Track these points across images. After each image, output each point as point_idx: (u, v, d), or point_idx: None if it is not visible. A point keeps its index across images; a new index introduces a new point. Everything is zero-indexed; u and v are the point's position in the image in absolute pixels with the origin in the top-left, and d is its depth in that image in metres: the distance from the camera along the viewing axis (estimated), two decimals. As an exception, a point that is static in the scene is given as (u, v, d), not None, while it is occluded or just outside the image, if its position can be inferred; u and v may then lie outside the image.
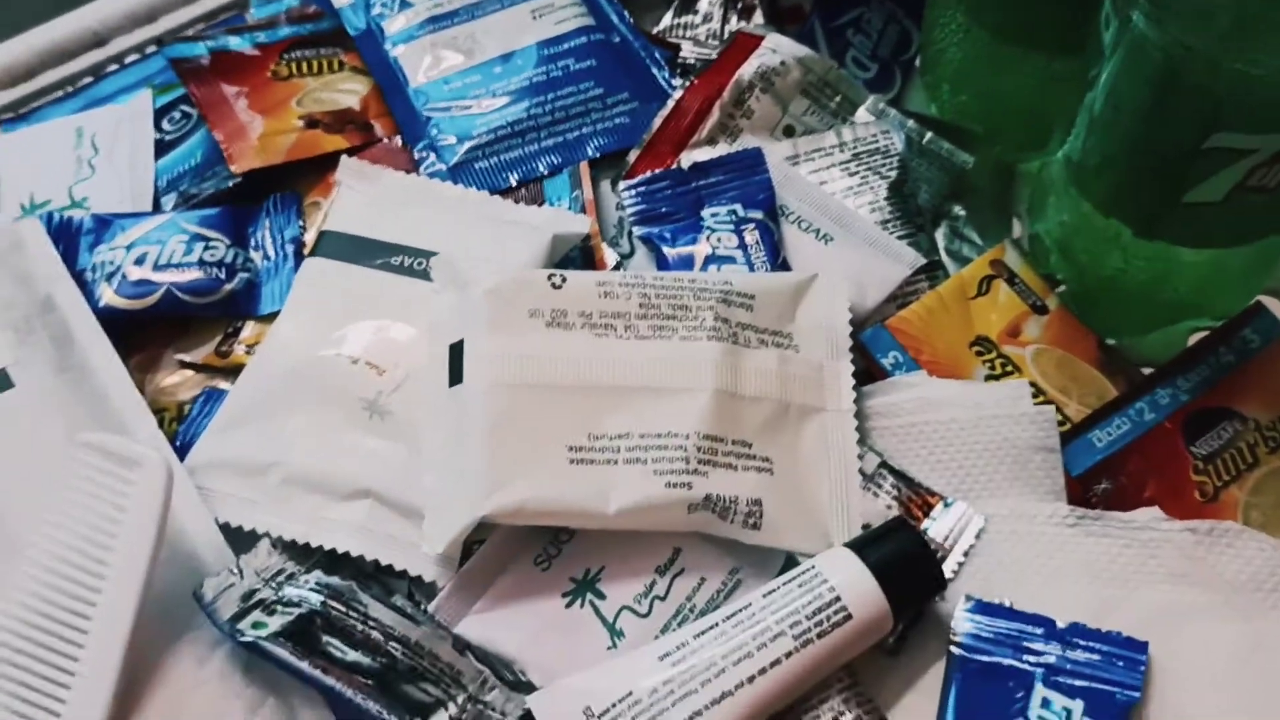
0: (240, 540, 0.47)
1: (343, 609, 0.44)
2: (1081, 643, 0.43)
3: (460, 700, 0.43)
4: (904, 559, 0.44)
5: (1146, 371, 0.52)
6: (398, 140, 0.60)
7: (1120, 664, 0.43)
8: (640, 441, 0.45)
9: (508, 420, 0.45)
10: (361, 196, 0.56)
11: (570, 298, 0.48)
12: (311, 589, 0.45)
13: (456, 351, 0.47)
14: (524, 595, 0.46)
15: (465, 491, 0.45)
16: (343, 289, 0.52)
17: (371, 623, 0.44)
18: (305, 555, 0.47)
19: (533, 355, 0.46)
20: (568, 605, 0.46)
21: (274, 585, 0.45)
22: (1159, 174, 0.46)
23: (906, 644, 0.45)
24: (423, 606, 0.46)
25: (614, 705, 0.42)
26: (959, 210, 0.58)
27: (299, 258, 0.56)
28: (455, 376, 0.47)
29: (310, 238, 0.56)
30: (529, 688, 0.44)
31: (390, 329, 0.51)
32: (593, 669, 0.43)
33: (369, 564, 0.47)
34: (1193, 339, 0.53)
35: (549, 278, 0.48)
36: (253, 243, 0.57)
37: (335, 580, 0.45)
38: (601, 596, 0.46)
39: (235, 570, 0.45)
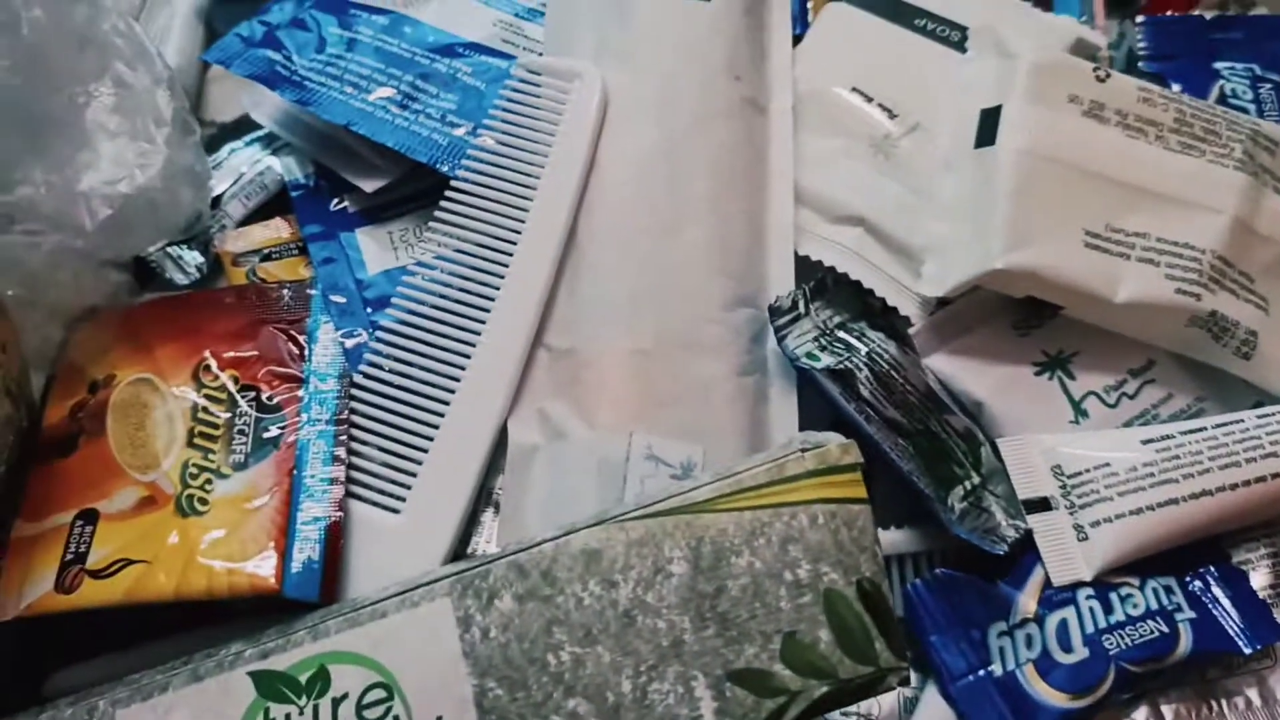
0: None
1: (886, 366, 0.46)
2: None
3: (969, 485, 0.44)
4: None
5: None
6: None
7: None
8: (1156, 244, 0.46)
9: (1032, 188, 0.46)
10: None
11: (1111, 93, 0.48)
12: (858, 338, 0.47)
13: (990, 115, 0.48)
14: (997, 351, 0.47)
15: (981, 243, 0.46)
16: (866, 37, 0.53)
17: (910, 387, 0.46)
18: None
19: (1066, 135, 0.47)
20: (1036, 374, 0.47)
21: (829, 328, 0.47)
22: None
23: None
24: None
25: (1087, 470, 0.43)
26: None
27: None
28: (984, 138, 0.48)
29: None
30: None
31: (909, 82, 0.52)
32: (1064, 433, 0.45)
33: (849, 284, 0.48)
34: None
35: (1094, 69, 0.48)
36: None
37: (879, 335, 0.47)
38: (1071, 377, 0.47)
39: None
